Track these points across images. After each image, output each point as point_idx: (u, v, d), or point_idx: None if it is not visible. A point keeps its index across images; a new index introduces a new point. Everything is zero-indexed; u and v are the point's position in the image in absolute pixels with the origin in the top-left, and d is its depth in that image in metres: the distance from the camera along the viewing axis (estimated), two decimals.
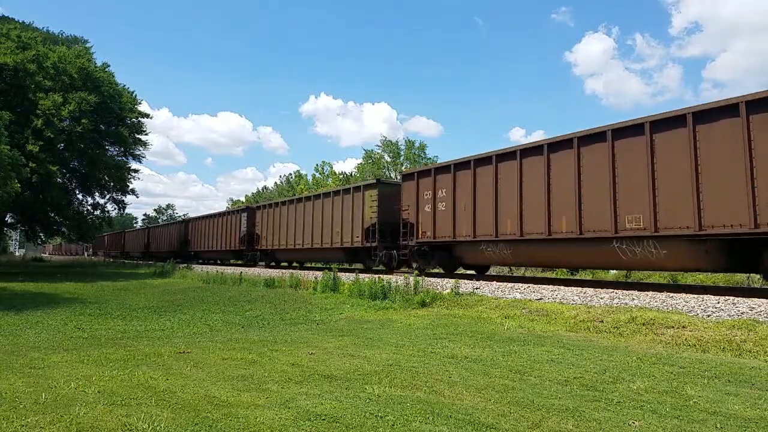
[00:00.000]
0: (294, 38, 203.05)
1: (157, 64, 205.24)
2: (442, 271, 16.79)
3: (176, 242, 39.79)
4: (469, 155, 14.38)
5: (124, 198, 33.36)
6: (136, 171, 33.36)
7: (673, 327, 7.06)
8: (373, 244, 17.81)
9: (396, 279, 13.05)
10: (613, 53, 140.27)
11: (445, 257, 15.59)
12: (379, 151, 49.13)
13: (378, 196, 17.84)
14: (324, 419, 3.74)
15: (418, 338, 7.35)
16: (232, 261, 32.73)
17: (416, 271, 15.74)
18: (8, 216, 31.03)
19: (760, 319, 6.96)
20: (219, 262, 34.39)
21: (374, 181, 18.99)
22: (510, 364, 5.64)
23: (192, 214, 77.26)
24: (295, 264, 27.17)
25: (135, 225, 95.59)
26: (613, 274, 18.72)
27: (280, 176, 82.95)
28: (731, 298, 8.54)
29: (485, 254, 13.94)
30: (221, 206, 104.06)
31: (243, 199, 71.79)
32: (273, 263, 26.95)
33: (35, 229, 33.72)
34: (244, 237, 28.07)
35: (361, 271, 17.74)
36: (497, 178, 13.32)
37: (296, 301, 12.76)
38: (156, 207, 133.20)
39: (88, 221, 31.85)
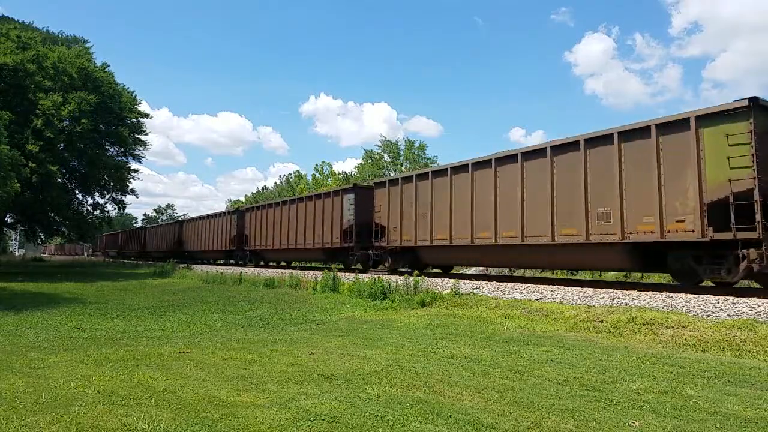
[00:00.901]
0: (294, 38, 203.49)
1: (157, 64, 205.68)
2: None
3: (226, 239, 29.89)
4: None
5: (123, 198, 33.52)
6: (135, 171, 33.58)
7: (673, 327, 7.06)
8: (753, 235, 8.54)
9: (396, 279, 13.01)
10: (613, 53, 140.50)
11: None
12: (379, 151, 49.15)
13: (753, 134, 8.60)
14: (324, 419, 3.74)
15: (418, 338, 7.35)
16: (314, 263, 25.60)
17: None
18: (8, 216, 31.06)
19: (760, 319, 6.97)
20: (285, 264, 26.92)
21: (746, 102, 8.72)
22: (510, 364, 5.64)
23: (192, 214, 76.73)
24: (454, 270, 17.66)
25: (135, 225, 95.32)
26: (612, 274, 18.65)
27: (280, 176, 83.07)
28: (731, 298, 8.54)
29: None
30: (221, 206, 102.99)
31: (243, 199, 71.60)
32: (408, 268, 16.47)
33: (35, 229, 33.79)
34: (350, 229, 19.24)
35: (713, 290, 9.83)
36: None
37: (296, 301, 12.75)
38: (156, 207, 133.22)
39: (87, 221, 31.99)
